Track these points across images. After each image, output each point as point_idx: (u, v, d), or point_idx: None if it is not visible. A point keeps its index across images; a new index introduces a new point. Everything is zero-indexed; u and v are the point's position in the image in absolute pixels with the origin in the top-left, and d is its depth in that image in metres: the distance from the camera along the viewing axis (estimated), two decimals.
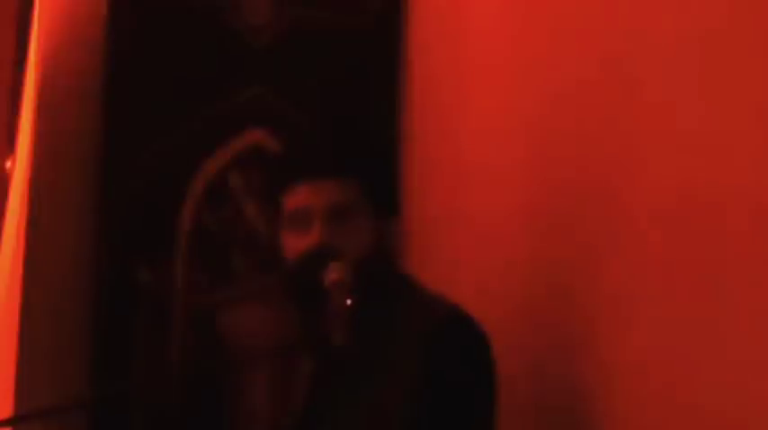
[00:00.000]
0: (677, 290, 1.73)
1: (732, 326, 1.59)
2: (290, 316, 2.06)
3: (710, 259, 1.65)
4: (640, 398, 1.80)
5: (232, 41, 2.68)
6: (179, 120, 2.63)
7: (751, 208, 1.57)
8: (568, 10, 2.15)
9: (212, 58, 2.67)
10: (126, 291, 2.58)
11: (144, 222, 2.61)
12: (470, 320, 1.89)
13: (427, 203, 2.63)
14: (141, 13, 2.63)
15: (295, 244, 1.90)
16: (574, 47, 2.11)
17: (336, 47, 2.75)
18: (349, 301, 1.83)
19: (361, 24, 2.77)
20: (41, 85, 2.61)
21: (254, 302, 2.62)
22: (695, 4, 1.74)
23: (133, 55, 2.62)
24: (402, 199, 2.57)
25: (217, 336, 2.62)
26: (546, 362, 2.13)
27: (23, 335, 2.54)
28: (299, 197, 1.91)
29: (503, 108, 2.41)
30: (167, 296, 2.60)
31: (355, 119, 2.70)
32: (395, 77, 2.79)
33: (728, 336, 1.60)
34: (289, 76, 2.71)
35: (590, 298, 1.99)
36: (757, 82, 1.57)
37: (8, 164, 2.90)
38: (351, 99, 2.73)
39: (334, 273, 1.83)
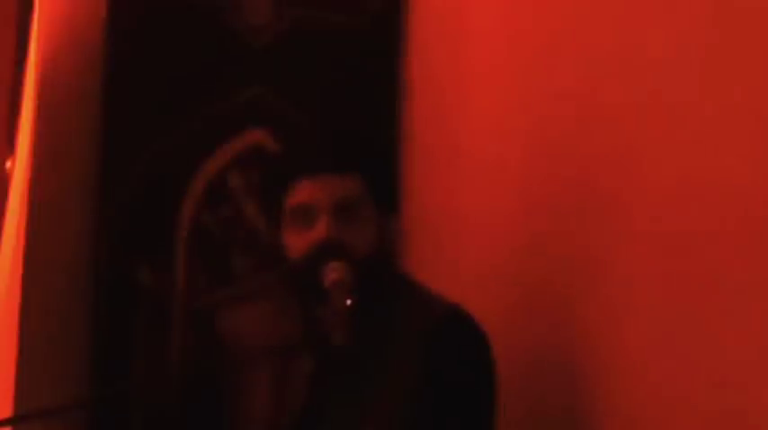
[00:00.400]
0: (677, 289, 1.73)
1: (732, 326, 1.59)
2: (290, 315, 2.05)
3: (710, 259, 1.65)
4: (640, 398, 1.80)
5: (232, 41, 2.68)
6: (179, 120, 2.63)
7: (750, 208, 1.57)
8: (568, 10, 2.15)
9: (212, 58, 2.67)
10: (126, 291, 2.57)
11: (144, 222, 2.61)
12: (470, 320, 1.89)
13: (427, 203, 2.63)
14: (141, 13, 2.63)
15: (299, 241, 1.89)
16: (574, 47, 2.11)
17: (336, 47, 2.75)
18: (349, 301, 1.83)
19: (361, 24, 2.77)
20: (41, 85, 2.61)
21: (254, 302, 2.62)
22: (696, 3, 1.74)
23: (133, 55, 2.62)
24: (401, 198, 2.57)
25: (217, 336, 2.62)
26: (545, 361, 2.13)
27: (23, 335, 2.54)
28: (303, 193, 1.89)
29: (503, 108, 2.41)
30: (167, 296, 2.60)
31: (355, 118, 2.70)
32: (395, 77, 2.79)
33: (728, 336, 1.60)
34: (289, 76, 2.71)
35: (590, 297, 1.99)
36: (758, 82, 1.57)
37: (8, 164, 2.90)
38: (351, 99, 2.73)
39: (334, 273, 1.83)
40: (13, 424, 2.37)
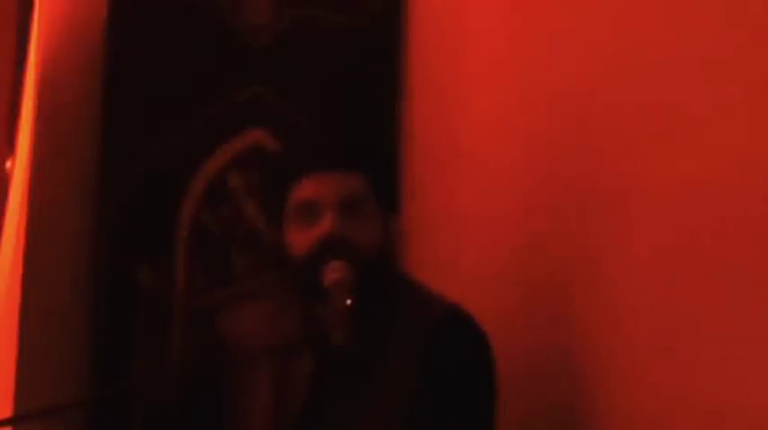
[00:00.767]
0: (677, 289, 1.73)
1: (732, 326, 1.59)
2: (291, 315, 2.06)
3: (710, 259, 1.65)
4: (640, 397, 1.80)
5: (232, 41, 2.68)
6: (179, 120, 2.63)
7: (750, 207, 1.57)
8: (568, 10, 2.15)
9: (212, 58, 2.67)
10: (126, 291, 2.57)
11: (144, 222, 2.61)
12: (470, 319, 1.89)
13: (427, 203, 2.63)
14: (141, 13, 2.63)
15: (302, 237, 1.89)
16: (574, 47, 2.11)
17: (336, 47, 2.75)
18: (349, 301, 1.83)
19: (360, 24, 2.77)
20: (41, 85, 2.61)
21: (254, 302, 2.62)
22: (696, 3, 1.74)
23: (133, 55, 2.62)
24: (402, 198, 2.57)
25: (217, 336, 2.62)
26: (546, 361, 2.13)
27: (23, 335, 2.54)
28: (307, 189, 1.89)
29: (503, 108, 2.41)
30: (167, 296, 2.60)
31: (355, 118, 2.70)
32: (395, 77, 2.79)
33: (728, 335, 1.60)
34: (289, 76, 2.71)
35: (589, 297, 1.99)
36: (759, 83, 1.57)
37: (8, 164, 2.90)
38: (351, 99, 2.73)
39: (334, 273, 1.83)
40: (13, 424, 2.37)
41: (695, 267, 1.69)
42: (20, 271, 2.57)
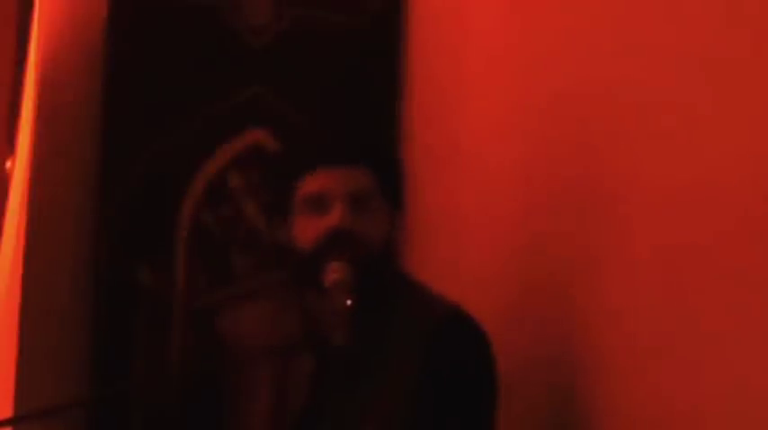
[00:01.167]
0: (677, 289, 1.73)
1: (732, 325, 1.59)
2: (291, 315, 2.05)
3: (710, 258, 1.65)
4: (640, 397, 1.80)
5: (232, 41, 2.68)
6: (179, 120, 2.63)
7: (750, 207, 1.57)
8: (568, 10, 2.15)
9: (212, 58, 2.67)
10: (126, 291, 2.57)
11: (144, 222, 2.61)
12: (470, 320, 1.89)
13: (427, 203, 2.63)
14: (141, 13, 2.63)
15: (310, 229, 1.89)
16: (574, 47, 2.11)
17: (336, 47, 2.75)
18: (349, 301, 1.83)
19: (360, 24, 2.77)
20: (41, 85, 2.61)
21: (254, 301, 2.62)
22: (698, 3, 1.74)
23: (133, 55, 2.62)
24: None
25: (217, 336, 2.62)
26: (546, 361, 2.13)
27: (23, 335, 2.54)
28: (318, 182, 1.89)
29: (503, 108, 2.41)
30: (167, 296, 2.60)
31: (355, 118, 2.70)
32: (395, 77, 2.79)
33: (728, 335, 1.60)
34: (289, 76, 2.71)
35: (589, 297, 1.99)
36: (761, 83, 1.57)
37: (8, 164, 2.91)
38: (351, 99, 2.73)
39: (334, 274, 1.83)
40: (13, 424, 2.37)
41: (695, 267, 1.69)
42: (20, 271, 2.57)
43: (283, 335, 2.37)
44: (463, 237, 2.51)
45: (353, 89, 2.74)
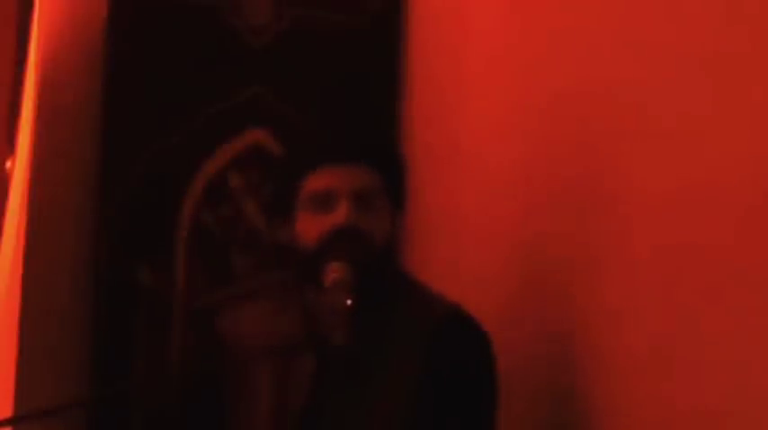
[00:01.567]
0: (677, 289, 1.73)
1: (732, 325, 1.59)
2: (291, 315, 2.05)
3: (711, 258, 1.65)
4: (640, 397, 1.80)
5: (232, 41, 2.68)
6: (179, 120, 2.63)
7: (751, 207, 1.57)
8: (568, 10, 2.15)
9: (212, 58, 2.66)
10: (126, 291, 2.57)
11: (144, 222, 2.61)
12: (471, 320, 1.89)
13: (427, 203, 2.63)
14: (141, 13, 2.63)
15: (314, 225, 1.89)
16: (574, 47, 2.11)
17: (336, 47, 2.74)
18: (349, 301, 1.83)
19: (360, 24, 2.77)
20: (41, 85, 2.61)
21: (254, 301, 2.61)
22: (696, 3, 1.74)
23: (133, 55, 2.62)
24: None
25: (217, 336, 2.62)
26: (546, 361, 2.13)
27: (23, 335, 2.54)
28: (324, 179, 1.90)
29: (503, 108, 2.41)
30: (167, 296, 2.60)
31: (355, 118, 2.70)
32: (395, 77, 2.79)
33: (728, 335, 1.60)
34: (289, 76, 2.71)
35: (589, 297, 1.99)
36: (758, 82, 1.57)
37: (8, 164, 2.90)
38: (351, 99, 2.73)
39: (334, 273, 1.83)
40: (13, 424, 2.37)
41: (695, 267, 1.69)
42: (20, 271, 2.57)
43: (284, 335, 2.37)
44: (463, 237, 2.51)
45: (353, 89, 2.74)
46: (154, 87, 2.62)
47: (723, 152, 1.64)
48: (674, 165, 1.76)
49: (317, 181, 1.90)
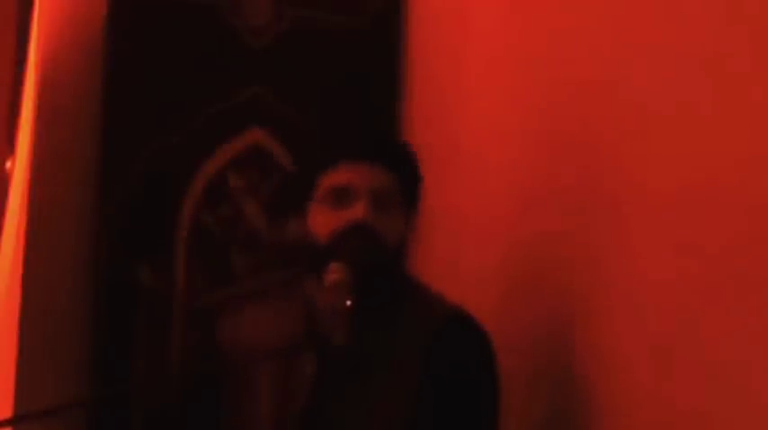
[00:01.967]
0: (677, 289, 1.73)
1: (732, 325, 1.59)
2: (292, 316, 2.06)
3: (711, 259, 1.65)
4: (640, 397, 1.80)
5: (232, 41, 2.68)
6: (179, 119, 2.63)
7: (751, 207, 1.57)
8: (568, 10, 2.15)
9: (212, 58, 2.67)
10: (126, 291, 2.57)
11: (144, 222, 2.61)
12: (471, 320, 1.89)
13: (427, 203, 2.63)
14: (141, 13, 2.63)
15: (331, 219, 1.90)
16: (574, 47, 2.11)
17: (336, 47, 2.75)
18: (349, 302, 1.83)
19: (360, 24, 2.77)
20: (41, 85, 2.61)
21: (254, 302, 2.61)
22: (696, 3, 1.74)
23: (133, 55, 2.62)
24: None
25: (217, 337, 2.62)
26: (546, 361, 2.13)
27: (23, 335, 2.54)
28: (344, 175, 1.91)
29: (503, 108, 2.41)
30: (167, 296, 2.60)
31: (355, 118, 2.70)
32: (395, 77, 2.79)
33: (729, 335, 1.60)
34: (289, 76, 2.71)
35: (589, 297, 1.99)
36: (758, 82, 1.57)
37: (8, 164, 2.91)
38: (351, 99, 2.73)
39: (334, 274, 1.83)
40: (13, 424, 2.37)
41: (695, 267, 1.69)
42: (20, 271, 2.57)
43: (284, 336, 2.37)
44: (463, 237, 2.51)
45: (353, 89, 2.74)
46: (154, 87, 2.62)
47: (723, 152, 1.64)
48: (674, 165, 1.76)
49: (338, 176, 1.91)
